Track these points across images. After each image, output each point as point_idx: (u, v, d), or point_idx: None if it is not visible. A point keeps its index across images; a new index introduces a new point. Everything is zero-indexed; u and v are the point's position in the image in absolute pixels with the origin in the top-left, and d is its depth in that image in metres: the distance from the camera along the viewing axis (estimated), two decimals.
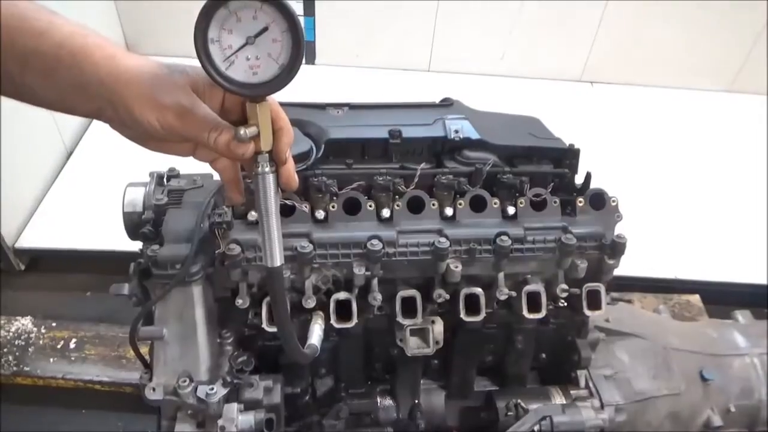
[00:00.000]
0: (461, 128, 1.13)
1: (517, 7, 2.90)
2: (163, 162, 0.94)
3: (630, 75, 3.07)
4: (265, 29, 0.58)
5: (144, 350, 1.01)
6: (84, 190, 2.23)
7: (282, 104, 0.69)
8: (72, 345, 1.77)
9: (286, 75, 0.60)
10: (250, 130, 0.62)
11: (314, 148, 1.09)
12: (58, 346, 1.77)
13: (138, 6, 2.84)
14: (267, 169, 0.66)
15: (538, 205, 1.06)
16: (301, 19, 2.87)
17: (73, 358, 1.74)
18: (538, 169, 1.12)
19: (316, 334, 0.93)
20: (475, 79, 3.08)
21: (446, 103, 1.23)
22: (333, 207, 1.03)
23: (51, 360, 1.74)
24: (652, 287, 1.94)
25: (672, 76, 3.05)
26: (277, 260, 0.70)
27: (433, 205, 1.04)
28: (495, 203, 1.05)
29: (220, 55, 0.60)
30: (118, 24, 2.90)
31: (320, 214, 1.02)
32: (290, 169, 0.69)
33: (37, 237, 2.10)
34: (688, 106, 2.98)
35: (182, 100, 0.61)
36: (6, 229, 2.03)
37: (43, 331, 1.81)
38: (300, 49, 0.59)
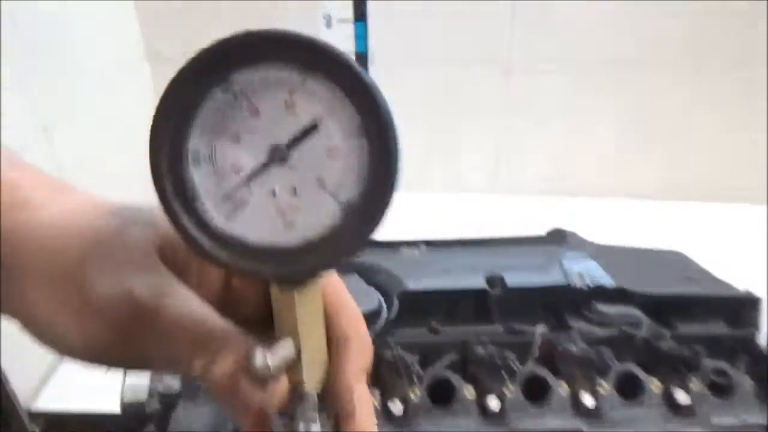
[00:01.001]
0: (588, 271, 0.81)
1: (599, 120, 2.66)
2: None
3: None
4: (314, 128, 0.28)
5: None
6: None
7: None
8: None
9: (359, 230, 0.28)
10: (278, 354, 0.29)
11: (384, 305, 0.79)
12: None
13: (160, 5, 2.54)
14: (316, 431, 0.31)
15: (724, 390, 0.71)
16: None
17: None
18: (711, 330, 0.77)
19: None
20: (547, 199, 2.79)
21: (557, 237, 0.92)
22: (415, 395, 0.70)
23: None
24: None
25: None
26: None
27: (562, 388, 0.71)
28: (655, 386, 0.71)
29: (215, 194, 0.29)
30: (137, 26, 2.64)
31: (396, 406, 0.69)
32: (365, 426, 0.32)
33: (55, 398, 1.82)
34: None
35: (136, 286, 0.30)
36: (22, 389, 1.76)
37: None
38: (392, 165, 0.27)
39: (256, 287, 0.34)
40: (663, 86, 2.50)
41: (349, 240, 0.28)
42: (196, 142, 0.28)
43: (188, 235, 0.28)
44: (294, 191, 0.28)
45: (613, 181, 2.86)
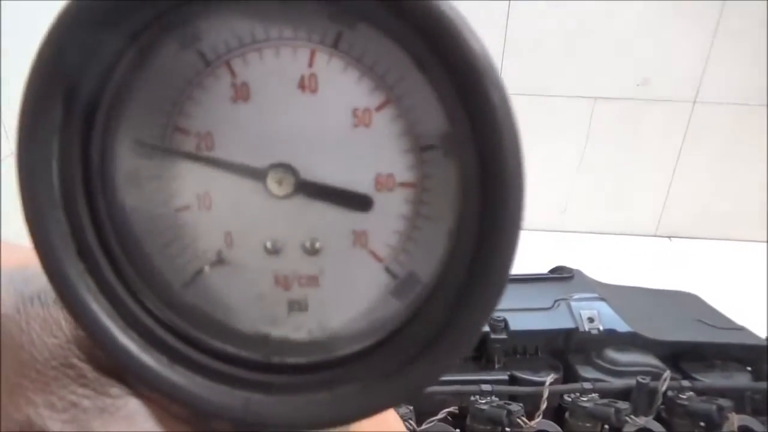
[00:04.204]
0: (598, 314, 0.74)
1: (578, 158, 2.63)
2: None
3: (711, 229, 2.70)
4: (365, 203, 0.15)
5: None
6: None
7: None
8: None
9: (437, 339, 0.16)
10: None
11: None
12: None
13: None
14: None
15: None
16: None
17: None
18: (732, 382, 0.70)
19: None
20: (532, 235, 2.74)
21: (562, 275, 0.85)
22: None
23: None
24: None
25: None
26: None
27: None
28: None
29: (164, 242, 0.16)
30: None
31: None
32: None
33: None
34: None
35: (41, 413, 0.17)
36: None
37: None
38: (510, 208, 0.16)
39: None
40: (665, 123, 2.48)
41: (417, 357, 0.15)
42: (125, 147, 0.15)
43: (95, 326, 0.15)
44: (310, 247, 0.15)
45: (614, 218, 2.82)
